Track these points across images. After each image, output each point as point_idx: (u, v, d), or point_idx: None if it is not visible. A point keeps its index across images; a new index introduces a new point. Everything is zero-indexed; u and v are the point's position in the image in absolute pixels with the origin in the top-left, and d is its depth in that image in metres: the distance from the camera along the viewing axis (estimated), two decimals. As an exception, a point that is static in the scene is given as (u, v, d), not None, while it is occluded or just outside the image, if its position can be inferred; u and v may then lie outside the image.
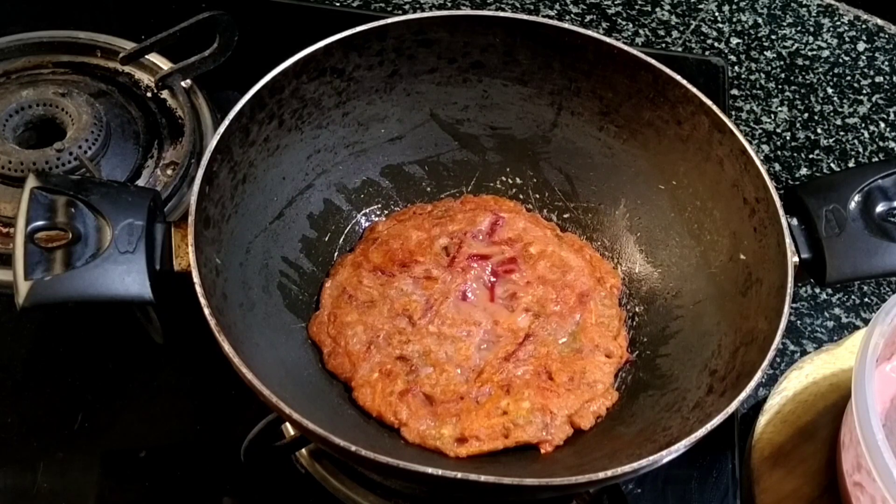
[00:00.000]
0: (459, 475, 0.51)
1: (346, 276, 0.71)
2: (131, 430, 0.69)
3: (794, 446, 0.71)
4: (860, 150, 0.94)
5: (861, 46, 1.03)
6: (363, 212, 0.75)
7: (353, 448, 0.52)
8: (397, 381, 0.65)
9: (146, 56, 0.86)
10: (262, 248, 0.67)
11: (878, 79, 1.00)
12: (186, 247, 0.57)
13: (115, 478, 0.67)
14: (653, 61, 0.69)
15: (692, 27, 1.03)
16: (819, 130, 0.95)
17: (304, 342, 0.68)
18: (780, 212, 0.62)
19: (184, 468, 0.68)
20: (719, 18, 1.05)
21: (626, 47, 0.69)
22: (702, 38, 1.02)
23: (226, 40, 0.82)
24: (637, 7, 1.04)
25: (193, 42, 0.83)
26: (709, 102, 0.67)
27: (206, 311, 0.54)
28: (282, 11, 0.97)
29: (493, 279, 0.71)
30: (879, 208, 0.65)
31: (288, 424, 0.65)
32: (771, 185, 0.63)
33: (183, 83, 0.84)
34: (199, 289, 0.55)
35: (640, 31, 1.02)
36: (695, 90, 0.68)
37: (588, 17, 1.03)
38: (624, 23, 1.03)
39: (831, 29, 1.04)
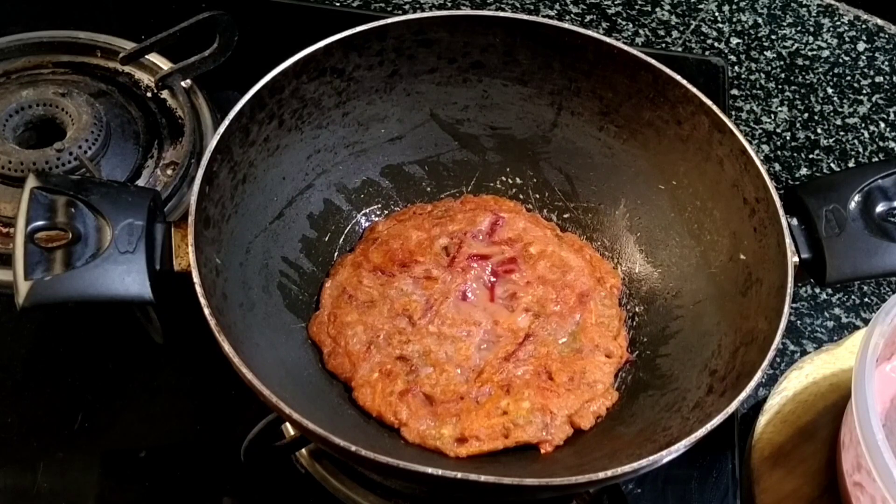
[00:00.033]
0: (459, 475, 0.51)
1: (346, 276, 0.71)
2: (131, 430, 0.69)
3: (794, 446, 0.71)
4: (860, 150, 0.94)
5: (861, 46, 1.03)
6: (363, 212, 0.75)
7: (353, 448, 0.52)
8: (397, 381, 0.65)
9: (146, 56, 0.86)
10: (262, 248, 0.67)
11: (878, 79, 1.00)
12: (186, 247, 0.57)
13: (115, 478, 0.67)
14: (653, 61, 0.69)
15: (692, 27, 1.03)
16: (819, 130, 0.95)
17: (304, 342, 0.68)
18: (780, 212, 0.62)
19: (184, 468, 0.68)
20: (719, 18, 1.05)
21: (626, 47, 0.69)
22: (702, 38, 1.02)
23: (226, 40, 0.82)
24: (637, 7, 1.04)
25: (193, 42, 0.83)
26: (709, 102, 0.67)
27: (206, 311, 0.54)
28: (282, 11, 0.97)
29: (493, 279, 0.71)
30: (879, 208, 0.65)
31: (288, 424, 0.65)
32: (771, 185, 0.63)
33: (183, 83, 0.84)
34: (199, 289, 0.55)
35: (640, 31, 1.02)
36: (695, 90, 0.68)
37: (588, 17, 1.03)
38: (624, 23, 1.03)
39: (831, 29, 1.05)
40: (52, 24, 0.88)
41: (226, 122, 0.62)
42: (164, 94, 0.86)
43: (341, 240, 0.74)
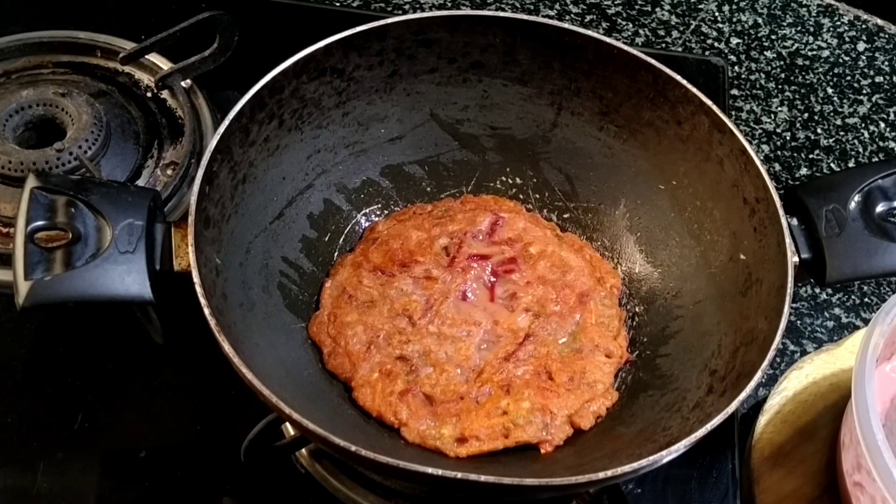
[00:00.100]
0: (459, 475, 0.51)
1: (346, 276, 0.71)
2: (131, 430, 0.69)
3: (794, 446, 0.71)
4: (860, 150, 0.94)
5: (861, 46, 1.03)
6: (363, 212, 0.75)
7: (353, 448, 0.52)
8: (397, 381, 0.65)
9: (146, 56, 0.86)
10: (262, 248, 0.67)
11: (878, 79, 1.00)
12: (186, 247, 0.57)
13: (115, 478, 0.67)
14: (653, 61, 0.69)
15: (692, 27, 1.03)
16: (819, 130, 0.95)
17: (304, 342, 0.68)
18: (780, 212, 0.62)
19: (184, 468, 0.68)
20: (719, 18, 1.05)
21: (626, 47, 0.69)
22: (702, 38, 1.02)
23: (226, 40, 0.82)
24: (637, 7, 1.04)
25: (193, 42, 0.83)
26: (709, 102, 0.67)
27: (206, 311, 0.54)
28: (282, 11, 0.97)
29: (493, 279, 0.71)
30: (879, 208, 0.65)
31: (288, 424, 0.65)
32: (771, 185, 0.63)
33: (183, 83, 0.84)
34: (199, 289, 0.55)
35: (640, 31, 1.02)
36: (695, 90, 0.68)
37: (588, 17, 1.03)
38: (624, 23, 1.03)
39: (831, 29, 1.05)
40: (52, 24, 0.88)
41: (226, 122, 0.62)
42: (164, 94, 0.86)
43: (341, 240, 0.74)
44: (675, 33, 1.02)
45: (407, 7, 1.01)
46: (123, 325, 0.73)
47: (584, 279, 0.71)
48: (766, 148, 0.93)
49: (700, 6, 1.05)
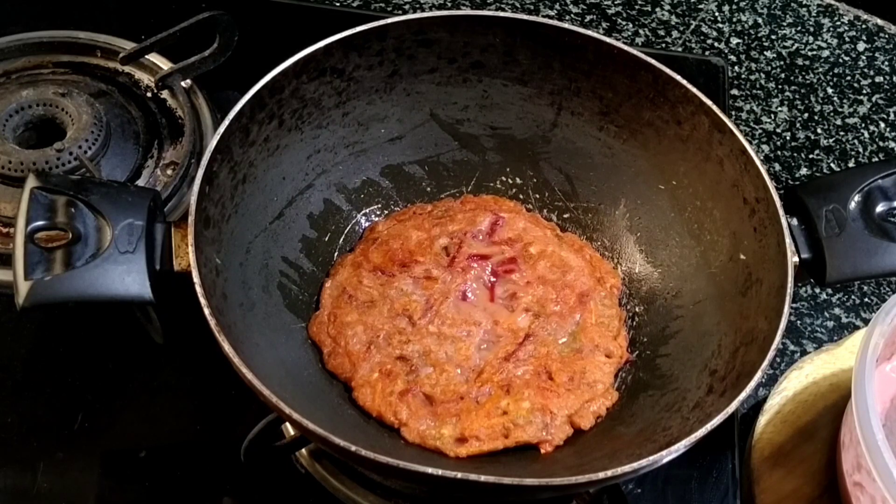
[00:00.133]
0: (459, 475, 0.51)
1: (346, 276, 0.71)
2: (131, 430, 0.69)
3: (794, 446, 0.71)
4: (860, 150, 0.94)
5: (861, 46, 1.03)
6: (363, 212, 0.75)
7: (353, 448, 0.52)
8: (397, 381, 0.65)
9: (146, 56, 0.86)
10: (262, 248, 0.67)
11: (878, 79, 1.00)
12: (186, 247, 0.57)
13: (115, 478, 0.67)
14: (653, 61, 0.69)
15: (692, 27, 1.03)
16: (819, 130, 0.95)
17: (304, 342, 0.68)
18: (780, 212, 0.62)
19: (184, 468, 0.68)
20: (719, 18, 1.05)
21: (626, 47, 0.69)
22: (702, 38, 1.02)
23: (226, 40, 0.82)
24: (637, 7, 1.04)
25: (193, 42, 0.83)
26: (709, 102, 0.67)
27: (206, 311, 0.54)
28: (282, 11, 0.97)
29: (493, 279, 0.71)
30: (879, 208, 0.65)
31: (288, 424, 0.65)
32: (771, 185, 0.63)
33: (183, 83, 0.84)
34: (199, 289, 0.55)
35: (640, 31, 1.02)
36: (695, 90, 0.68)
37: (588, 17, 1.03)
38: (624, 23, 1.03)
39: (831, 29, 1.05)
40: (52, 24, 0.88)
41: (226, 122, 0.62)
42: (164, 94, 0.86)
43: (341, 240, 0.74)
44: (675, 33, 1.02)
45: (407, 7, 1.01)
46: (123, 325, 0.73)
47: (584, 279, 0.71)
48: (766, 148, 0.93)
49: (700, 6, 1.05)
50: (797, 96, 0.98)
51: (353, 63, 0.70)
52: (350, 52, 0.69)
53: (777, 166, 0.92)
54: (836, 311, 0.82)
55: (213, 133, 0.68)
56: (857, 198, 0.65)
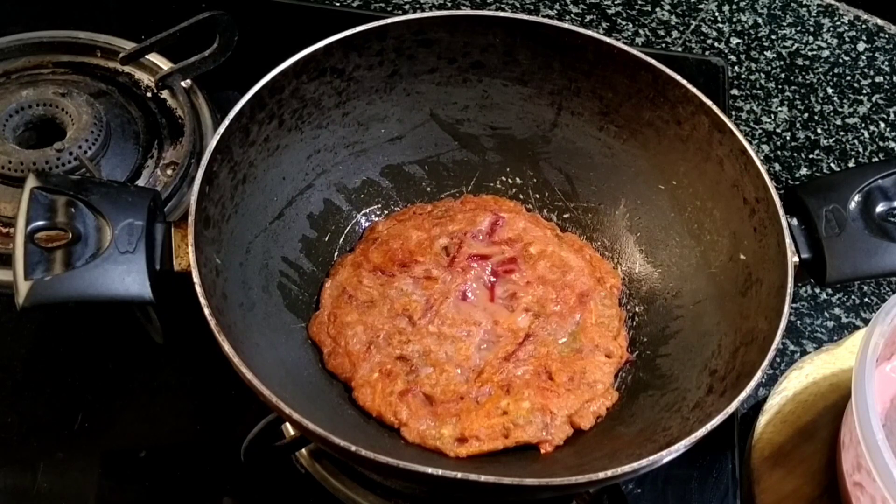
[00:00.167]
0: (459, 475, 0.51)
1: (346, 276, 0.71)
2: (131, 430, 0.69)
3: (794, 446, 0.71)
4: (860, 150, 0.94)
5: (861, 46, 1.03)
6: (363, 212, 0.75)
7: (353, 448, 0.52)
8: (397, 381, 0.65)
9: (146, 56, 0.86)
10: (262, 248, 0.67)
11: (878, 79, 1.00)
12: (186, 247, 0.57)
13: (115, 478, 0.67)
14: (653, 61, 0.69)
15: (692, 27, 1.03)
16: (819, 130, 0.95)
17: (304, 342, 0.68)
18: (780, 212, 0.62)
19: (184, 468, 0.68)
20: (719, 18, 1.05)
21: (626, 47, 0.69)
22: (702, 38, 1.02)
23: (226, 40, 0.82)
24: (637, 7, 1.04)
25: (193, 42, 0.83)
26: (709, 102, 0.67)
27: (206, 311, 0.54)
28: (282, 11, 0.97)
29: (493, 279, 0.71)
30: (879, 208, 0.65)
31: (288, 424, 0.65)
32: (771, 185, 0.63)
33: (183, 83, 0.84)
34: (199, 289, 0.55)
35: (640, 31, 1.02)
36: (695, 90, 0.68)
37: (588, 17, 1.03)
38: (624, 23, 1.03)
39: (831, 29, 1.05)
40: (52, 24, 0.88)
41: (226, 122, 0.62)
42: (164, 94, 0.86)
43: (341, 240, 0.74)
44: (675, 33, 1.02)
45: (407, 7, 1.01)
46: (123, 325, 0.73)
47: (584, 279, 0.71)
48: (766, 148, 0.93)
49: (700, 6, 1.05)
50: (797, 96, 0.98)
51: (353, 63, 0.70)
52: (350, 52, 0.69)
53: (777, 166, 0.92)
54: (836, 311, 0.82)
55: (213, 133, 0.68)
56: (857, 198, 0.65)
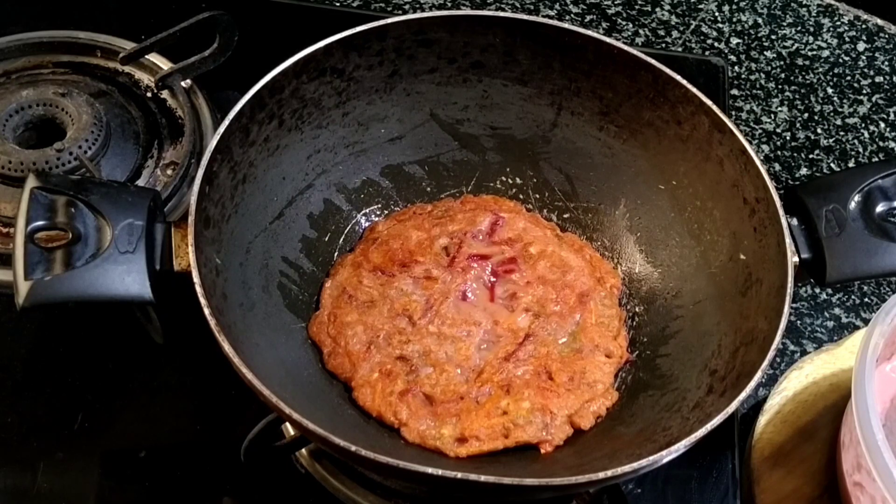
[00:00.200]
0: (459, 475, 0.51)
1: (346, 276, 0.71)
2: (131, 430, 0.69)
3: (794, 446, 0.71)
4: (860, 150, 0.94)
5: (861, 46, 1.03)
6: (363, 212, 0.75)
7: (353, 448, 0.52)
8: (397, 381, 0.65)
9: (146, 56, 0.86)
10: (262, 248, 0.67)
11: (878, 79, 1.00)
12: (186, 247, 0.57)
13: (115, 478, 0.67)
14: (653, 61, 0.69)
15: (692, 27, 1.03)
16: (819, 130, 0.95)
17: (304, 342, 0.68)
18: (780, 212, 0.62)
19: (184, 468, 0.68)
20: (719, 18, 1.05)
21: (626, 47, 0.69)
22: (702, 38, 1.02)
23: (226, 40, 0.82)
24: (637, 7, 1.04)
25: (193, 42, 0.83)
26: (709, 102, 0.67)
27: (206, 311, 0.54)
28: (282, 11, 0.97)
29: (493, 279, 0.71)
30: (879, 208, 0.65)
31: (288, 424, 0.65)
32: (771, 185, 0.63)
33: (183, 83, 0.84)
34: (199, 289, 0.55)
35: (640, 31, 1.02)
36: (695, 90, 0.68)
37: (588, 17, 1.03)
38: (624, 23, 1.03)
39: (831, 29, 1.05)
40: (52, 24, 0.88)
41: (226, 122, 0.62)
42: (164, 94, 0.86)
43: (341, 240, 0.74)
44: (675, 33, 1.02)
45: (407, 7, 1.01)
46: (123, 325, 0.73)
47: (584, 279, 0.71)
48: (766, 148, 0.93)
49: (700, 6, 1.05)
50: (797, 96, 0.98)
51: (353, 63, 0.70)
52: (350, 52, 0.69)
53: (777, 166, 0.92)
54: (836, 311, 0.82)
55: (213, 133, 0.68)
56: (857, 198, 0.65)
